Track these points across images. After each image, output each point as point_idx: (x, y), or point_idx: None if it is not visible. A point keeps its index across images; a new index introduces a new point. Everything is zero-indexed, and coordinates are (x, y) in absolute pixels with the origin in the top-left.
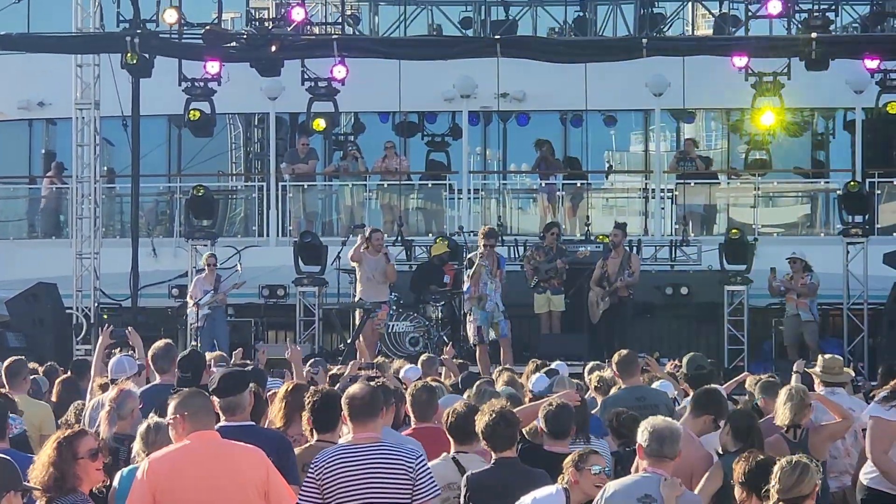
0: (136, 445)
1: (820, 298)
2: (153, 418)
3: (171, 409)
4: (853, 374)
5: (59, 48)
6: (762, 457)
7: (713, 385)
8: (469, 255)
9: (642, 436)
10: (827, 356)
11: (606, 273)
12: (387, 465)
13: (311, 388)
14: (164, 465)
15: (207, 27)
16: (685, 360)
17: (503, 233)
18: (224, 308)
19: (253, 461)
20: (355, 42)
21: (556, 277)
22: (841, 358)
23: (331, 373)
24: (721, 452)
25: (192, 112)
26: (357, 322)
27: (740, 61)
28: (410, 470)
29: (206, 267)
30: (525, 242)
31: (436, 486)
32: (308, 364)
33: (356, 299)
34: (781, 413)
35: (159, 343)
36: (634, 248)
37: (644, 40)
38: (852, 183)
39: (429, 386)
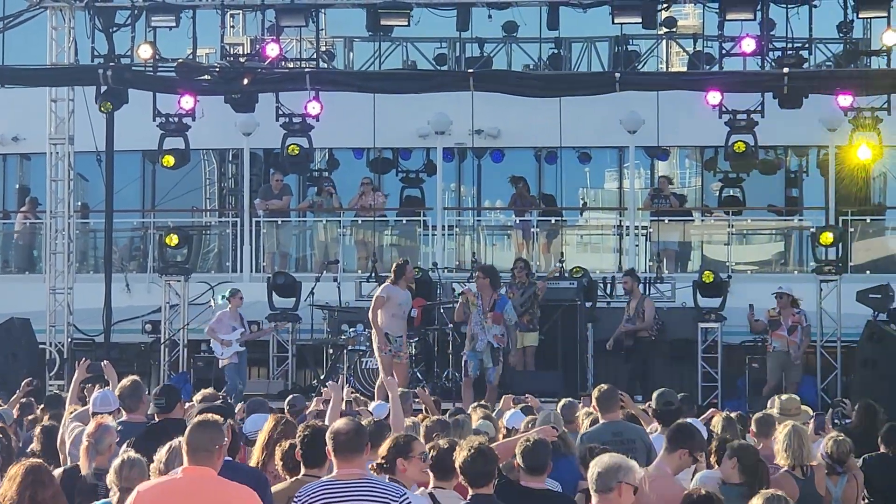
0: (110, 478)
1: None
2: (127, 453)
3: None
4: (811, 413)
5: (33, 81)
6: (778, 494)
7: (687, 420)
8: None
9: (590, 475)
10: (784, 397)
11: (630, 316)
12: (371, 501)
13: (303, 423)
14: (150, 496)
15: (180, 60)
16: (655, 395)
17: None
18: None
19: (241, 502)
20: (328, 75)
21: (531, 311)
22: (797, 398)
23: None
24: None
25: (165, 158)
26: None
27: (714, 99)
28: None
29: (230, 302)
30: None
31: None
32: (287, 400)
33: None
34: (783, 456)
35: (126, 381)
36: (606, 289)
37: (617, 75)
38: (825, 234)
39: (442, 420)
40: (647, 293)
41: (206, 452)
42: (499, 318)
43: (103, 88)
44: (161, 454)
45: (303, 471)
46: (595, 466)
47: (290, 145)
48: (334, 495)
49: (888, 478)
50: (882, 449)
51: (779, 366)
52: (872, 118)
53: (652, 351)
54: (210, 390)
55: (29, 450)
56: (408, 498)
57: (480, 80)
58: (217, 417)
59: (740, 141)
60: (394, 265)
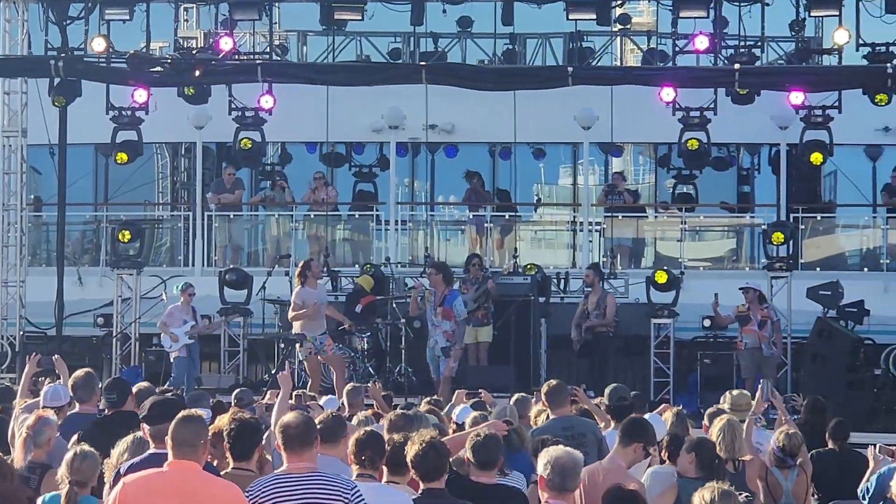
0: (62, 471)
1: None
2: (81, 446)
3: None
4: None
5: None
6: (726, 488)
7: (643, 415)
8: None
9: (544, 468)
10: (735, 392)
11: (587, 310)
12: (323, 495)
13: (231, 416)
14: (135, 489)
15: (132, 52)
16: (607, 391)
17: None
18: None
19: (225, 498)
20: (280, 67)
21: (485, 306)
22: (748, 394)
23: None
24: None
25: (119, 155)
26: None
27: (668, 95)
28: (346, 501)
29: (181, 296)
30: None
31: None
32: (234, 393)
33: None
34: (719, 450)
35: (79, 373)
36: (560, 284)
37: (570, 69)
38: (777, 234)
39: (407, 414)
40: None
41: (191, 447)
42: (448, 313)
43: (56, 81)
44: (120, 448)
45: (231, 464)
46: (552, 461)
47: (242, 139)
48: (286, 489)
49: (836, 473)
50: (830, 444)
51: (753, 362)
52: (823, 116)
53: (609, 347)
54: (146, 384)
55: None
56: (359, 491)
57: (433, 73)
58: (201, 412)
59: (693, 138)
60: (298, 267)
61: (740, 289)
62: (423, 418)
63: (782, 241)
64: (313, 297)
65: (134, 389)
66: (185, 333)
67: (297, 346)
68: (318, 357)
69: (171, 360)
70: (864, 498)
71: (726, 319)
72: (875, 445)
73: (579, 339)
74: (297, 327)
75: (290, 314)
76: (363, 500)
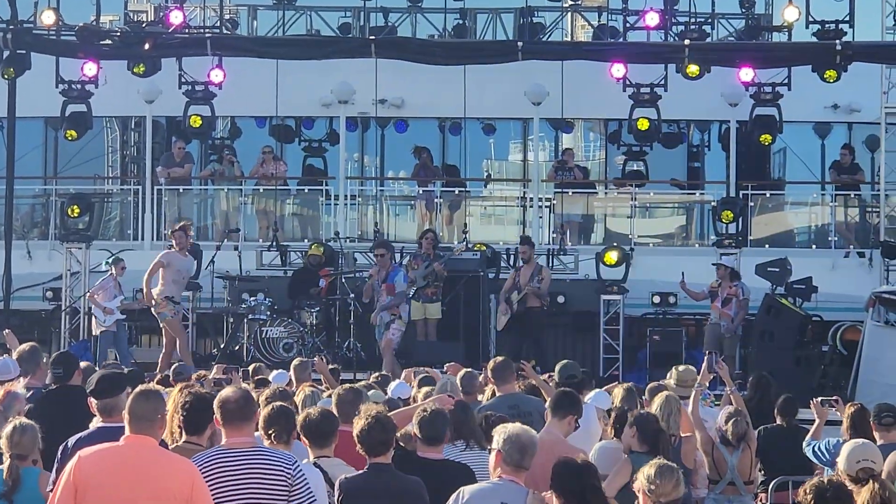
0: (2, 445)
1: (693, 308)
2: (19, 419)
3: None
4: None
5: None
6: (668, 463)
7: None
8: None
9: (502, 443)
10: (681, 368)
11: (519, 284)
12: (264, 470)
13: (184, 389)
14: (90, 463)
15: (81, 25)
16: (557, 368)
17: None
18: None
19: (180, 474)
20: (229, 41)
21: (435, 284)
22: (694, 369)
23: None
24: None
25: (68, 132)
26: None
27: (618, 72)
28: (288, 476)
29: (112, 269)
30: (402, 249)
31: (311, 493)
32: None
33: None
34: None
35: (24, 346)
36: (510, 260)
37: (520, 44)
38: (727, 212)
39: (355, 388)
40: (551, 265)
41: (148, 422)
42: (391, 288)
43: (5, 53)
44: None
45: (183, 437)
46: (509, 437)
47: (192, 116)
48: (227, 464)
49: (783, 449)
50: (778, 420)
51: (714, 338)
52: (772, 93)
53: (545, 321)
54: (86, 363)
55: None
56: (300, 466)
57: (382, 46)
58: (158, 387)
59: (643, 118)
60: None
61: (713, 264)
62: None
63: (732, 219)
64: (181, 264)
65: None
66: (115, 308)
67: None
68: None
69: (95, 335)
70: (812, 451)
71: (700, 295)
72: (816, 399)
73: (507, 313)
74: (161, 285)
75: (150, 269)
76: (304, 475)
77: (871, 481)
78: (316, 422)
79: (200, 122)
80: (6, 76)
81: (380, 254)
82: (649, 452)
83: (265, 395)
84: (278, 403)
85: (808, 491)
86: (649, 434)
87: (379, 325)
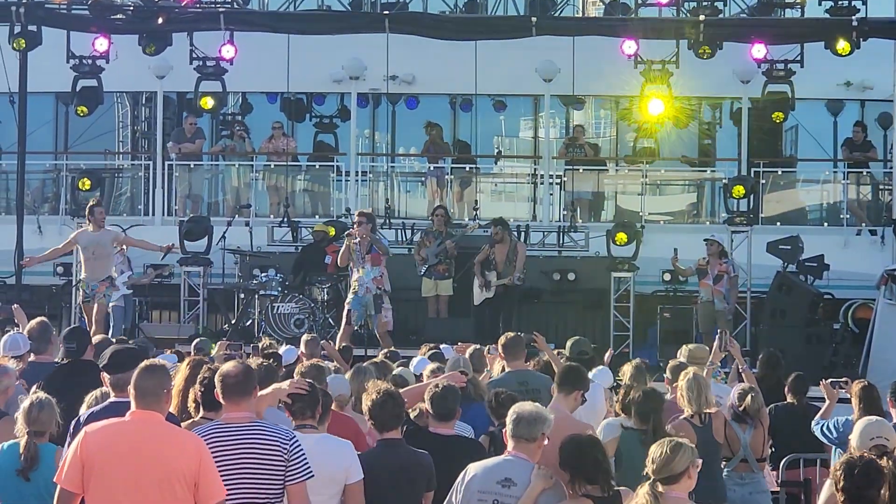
0: (19, 421)
1: None
2: (37, 394)
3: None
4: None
5: None
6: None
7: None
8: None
9: (509, 420)
10: (692, 346)
11: (494, 261)
12: (261, 444)
13: (205, 365)
14: (97, 439)
15: None
16: (568, 344)
17: (391, 216)
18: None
19: (186, 449)
20: (242, 15)
21: (446, 261)
22: (706, 347)
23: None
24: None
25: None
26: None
27: (629, 48)
28: (284, 451)
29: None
30: (413, 226)
31: (308, 467)
32: (193, 344)
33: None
34: (684, 403)
35: (34, 322)
36: (521, 237)
37: (533, 19)
38: (738, 187)
39: (317, 364)
40: (561, 242)
41: (154, 397)
42: (377, 258)
43: (17, 28)
44: (87, 401)
45: (201, 412)
46: (518, 413)
47: (202, 97)
48: (224, 439)
49: (794, 426)
50: (789, 398)
51: (708, 316)
52: (785, 70)
53: (517, 297)
54: (102, 335)
55: None
56: (297, 441)
57: (395, 21)
58: (164, 362)
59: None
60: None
61: (704, 240)
62: (364, 371)
63: (743, 194)
64: (87, 240)
65: (95, 340)
66: (122, 284)
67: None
68: (93, 304)
69: (110, 310)
70: (821, 431)
71: (688, 272)
72: (826, 380)
73: (483, 290)
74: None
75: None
76: (302, 450)
77: (884, 458)
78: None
79: (211, 104)
80: (16, 47)
81: (360, 221)
82: (644, 430)
83: (298, 370)
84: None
85: (838, 468)
86: (643, 412)
87: (361, 296)
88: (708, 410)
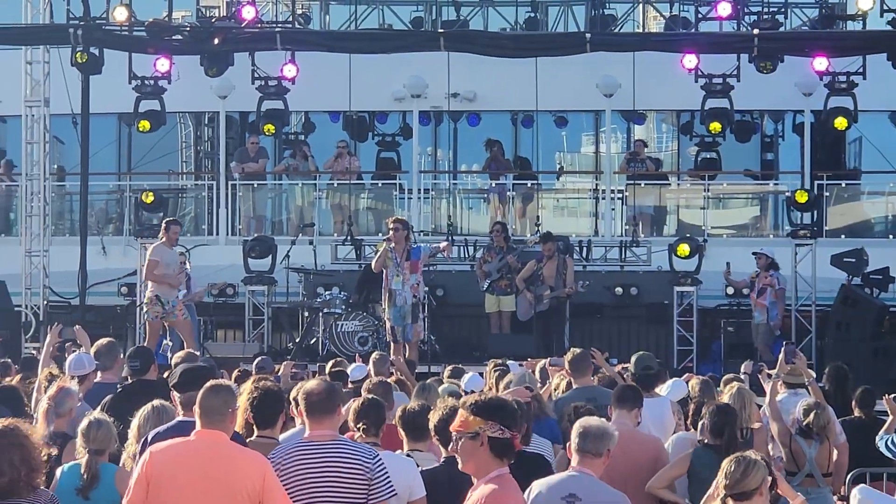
0: (78, 441)
1: None
2: (95, 415)
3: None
4: (813, 375)
5: (4, 40)
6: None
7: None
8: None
9: (573, 436)
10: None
11: (542, 276)
12: (344, 463)
13: (253, 384)
14: (162, 458)
15: (151, 20)
16: (633, 359)
17: (453, 232)
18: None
19: (250, 468)
20: (299, 35)
21: (508, 277)
22: (807, 360)
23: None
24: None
25: (141, 123)
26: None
27: (690, 62)
28: (367, 469)
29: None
30: (475, 242)
31: (391, 486)
32: (255, 362)
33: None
34: None
35: (102, 341)
36: (582, 252)
37: (588, 35)
38: (800, 192)
39: (384, 382)
40: (623, 257)
41: (220, 416)
42: (416, 265)
43: (77, 51)
44: (139, 417)
45: (255, 433)
46: (585, 428)
47: (265, 124)
48: (308, 457)
49: (861, 440)
50: (856, 413)
51: (754, 330)
52: (847, 82)
53: (565, 312)
54: (186, 351)
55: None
56: (380, 459)
57: (451, 40)
58: (229, 382)
59: (715, 122)
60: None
61: (753, 254)
62: (429, 388)
63: (806, 199)
64: (168, 257)
65: (180, 354)
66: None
67: (147, 306)
68: (164, 321)
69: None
70: (885, 445)
71: (741, 284)
72: (889, 395)
73: (533, 306)
74: (152, 288)
75: (151, 272)
76: (385, 468)
77: None
78: (413, 414)
79: (274, 130)
80: (79, 59)
81: (396, 228)
82: (715, 446)
83: (366, 386)
84: (370, 396)
85: None
86: (717, 427)
87: (400, 306)
88: (752, 426)
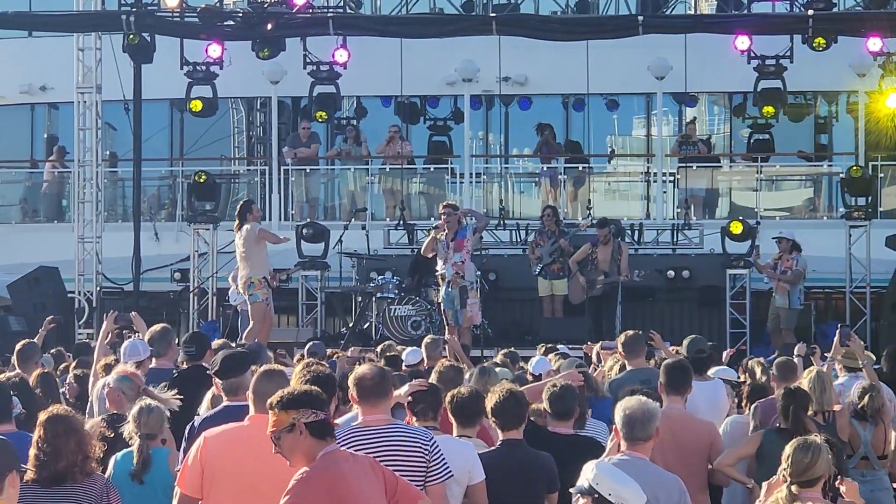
0: (129, 427)
1: (822, 282)
2: (146, 400)
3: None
4: (873, 358)
5: (56, 27)
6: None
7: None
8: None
9: (617, 418)
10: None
11: (596, 260)
12: (401, 446)
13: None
14: (217, 443)
15: (203, 6)
16: (685, 342)
17: (505, 217)
18: None
19: None
20: (351, 20)
21: (560, 260)
22: (862, 343)
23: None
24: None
25: (193, 102)
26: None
27: (742, 44)
28: (425, 452)
29: None
30: (527, 227)
31: (448, 468)
32: (307, 347)
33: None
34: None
35: (156, 327)
36: (635, 235)
37: (640, 17)
38: (855, 168)
39: (454, 366)
40: (675, 240)
41: None
42: (460, 244)
43: (129, 37)
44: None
45: None
46: (631, 413)
47: (318, 111)
48: (363, 442)
49: None
50: None
51: (773, 314)
52: None
53: (617, 295)
54: (221, 340)
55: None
56: (436, 441)
57: (502, 23)
58: (281, 367)
59: (769, 105)
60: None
61: (773, 238)
62: (488, 372)
63: (860, 174)
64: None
65: (215, 344)
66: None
67: (255, 288)
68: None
69: (239, 312)
70: None
71: (766, 267)
72: None
73: (585, 290)
74: (252, 268)
75: (277, 237)
76: (440, 450)
77: None
78: (463, 400)
79: (326, 117)
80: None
81: (448, 212)
82: (787, 430)
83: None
84: (471, 387)
85: None
86: (788, 411)
87: (450, 296)
88: (832, 409)
